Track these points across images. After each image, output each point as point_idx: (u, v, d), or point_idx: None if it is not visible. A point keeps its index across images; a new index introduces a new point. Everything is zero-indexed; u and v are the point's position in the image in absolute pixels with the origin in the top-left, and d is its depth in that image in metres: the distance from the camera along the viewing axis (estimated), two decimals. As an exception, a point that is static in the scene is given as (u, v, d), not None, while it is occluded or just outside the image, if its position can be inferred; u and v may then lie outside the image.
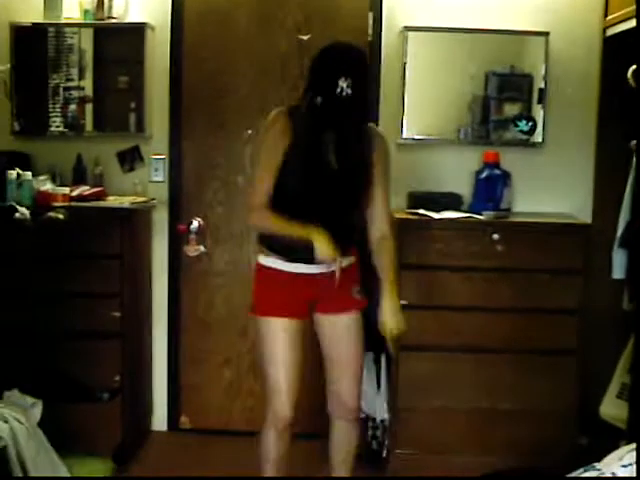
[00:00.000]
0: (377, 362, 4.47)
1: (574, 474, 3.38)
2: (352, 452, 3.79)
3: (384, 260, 3.52)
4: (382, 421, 4.52)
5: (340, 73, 3.18)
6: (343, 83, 3.16)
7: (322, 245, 3.28)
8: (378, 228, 3.58)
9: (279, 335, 3.51)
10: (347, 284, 3.51)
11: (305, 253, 3.34)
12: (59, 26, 4.74)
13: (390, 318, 3.41)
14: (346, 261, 3.49)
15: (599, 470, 3.27)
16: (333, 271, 3.38)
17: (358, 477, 3.69)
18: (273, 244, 3.50)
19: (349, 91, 3.17)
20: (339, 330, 3.60)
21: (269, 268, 3.53)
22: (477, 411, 4.44)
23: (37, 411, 3.93)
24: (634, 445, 3.27)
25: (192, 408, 5.02)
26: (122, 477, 4.33)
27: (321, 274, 3.45)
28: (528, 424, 4.40)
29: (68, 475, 3.88)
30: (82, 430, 4.25)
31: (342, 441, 3.75)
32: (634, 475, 3.11)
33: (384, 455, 4.54)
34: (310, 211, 3.38)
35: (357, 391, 3.68)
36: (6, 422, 3.61)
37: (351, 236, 3.57)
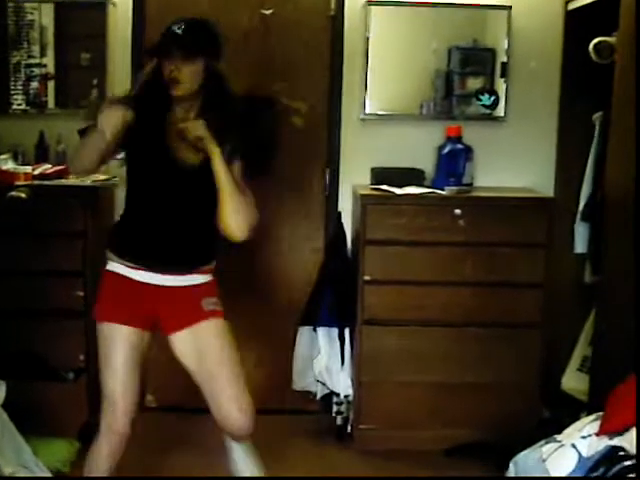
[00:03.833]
0: (341, 337, 4.49)
1: (536, 446, 3.43)
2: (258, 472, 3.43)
3: None
4: (346, 396, 4.55)
5: None
6: None
7: None
8: None
9: (120, 343, 3.24)
10: (196, 299, 3.27)
11: (151, 259, 3.22)
12: (19, 1, 4.68)
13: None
14: (196, 279, 3.28)
15: (559, 442, 3.32)
16: (180, 287, 3.25)
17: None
18: (123, 248, 3.26)
19: None
20: (201, 340, 3.28)
21: (116, 274, 3.26)
22: (441, 385, 4.47)
23: (1, 392, 3.92)
24: (594, 416, 3.32)
25: (157, 386, 4.99)
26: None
27: (167, 287, 3.24)
28: (492, 397, 4.45)
29: (32, 456, 3.87)
30: (47, 410, 4.23)
31: (244, 466, 3.41)
32: (592, 446, 3.16)
33: (349, 430, 4.58)
34: (153, 208, 3.23)
35: (244, 404, 3.26)
36: (-31, 404, 3.62)
37: (202, 247, 3.31)
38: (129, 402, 3.26)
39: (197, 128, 3.10)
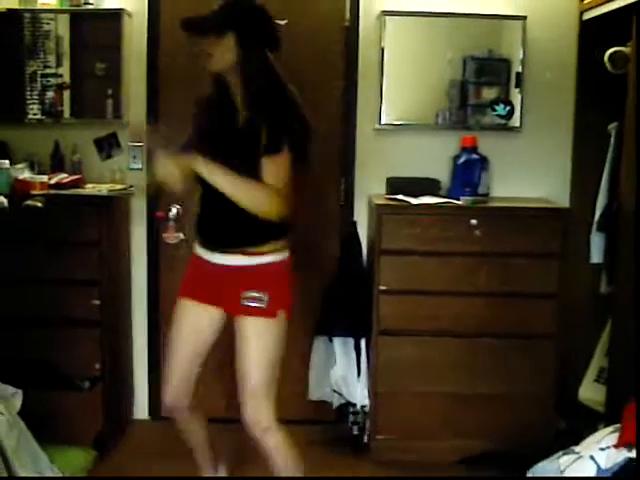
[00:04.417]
0: (357, 348, 4.49)
1: (553, 457, 3.42)
2: (280, 466, 3.42)
3: None
4: (362, 407, 4.53)
5: None
6: None
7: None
8: None
9: (180, 315, 3.43)
10: (237, 288, 3.26)
11: (203, 236, 3.39)
12: (35, 12, 4.70)
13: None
14: (240, 260, 3.29)
15: (577, 453, 3.31)
16: (230, 266, 3.30)
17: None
18: (196, 229, 3.46)
19: None
20: (238, 332, 3.33)
21: (194, 253, 3.47)
22: (457, 395, 4.46)
23: (17, 401, 3.92)
24: (612, 428, 3.31)
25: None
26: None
27: (219, 265, 3.31)
28: (507, 408, 4.43)
29: (49, 464, 3.88)
30: (63, 419, 4.25)
31: (266, 457, 3.40)
32: (610, 457, 3.15)
33: (365, 441, 4.57)
34: (206, 190, 3.29)
35: (253, 405, 3.28)
36: (-14, 412, 3.62)
37: (243, 225, 3.24)
38: (182, 377, 3.40)
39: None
